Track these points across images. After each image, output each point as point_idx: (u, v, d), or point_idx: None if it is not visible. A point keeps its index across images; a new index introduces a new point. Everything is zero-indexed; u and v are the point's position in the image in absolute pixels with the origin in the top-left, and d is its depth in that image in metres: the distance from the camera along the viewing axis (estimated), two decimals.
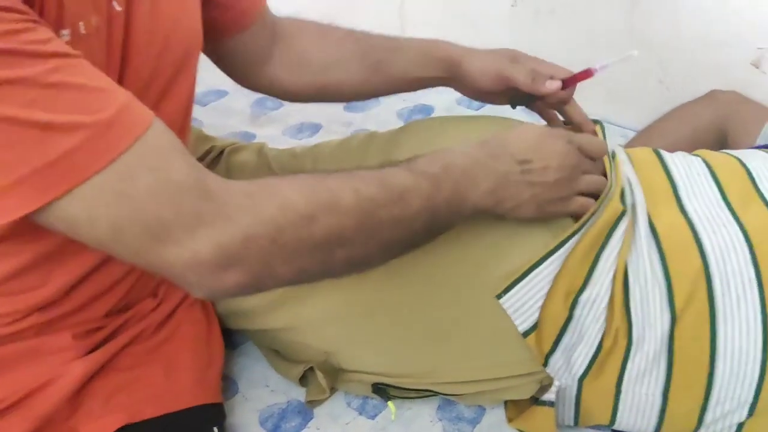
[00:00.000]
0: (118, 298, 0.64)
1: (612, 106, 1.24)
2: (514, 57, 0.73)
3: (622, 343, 0.62)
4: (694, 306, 0.61)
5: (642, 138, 1.03)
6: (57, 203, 0.45)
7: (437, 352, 0.67)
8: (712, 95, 0.97)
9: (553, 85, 0.71)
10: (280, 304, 0.70)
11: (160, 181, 0.47)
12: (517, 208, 0.61)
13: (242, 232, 0.48)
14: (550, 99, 0.73)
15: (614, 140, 1.17)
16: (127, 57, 0.55)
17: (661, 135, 0.98)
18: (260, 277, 0.50)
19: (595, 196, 0.65)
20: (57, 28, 0.48)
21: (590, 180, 0.65)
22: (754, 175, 0.69)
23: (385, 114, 1.25)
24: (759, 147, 0.80)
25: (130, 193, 0.46)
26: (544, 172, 0.61)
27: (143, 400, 0.63)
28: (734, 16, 1.05)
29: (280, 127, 1.23)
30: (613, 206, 0.65)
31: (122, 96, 0.47)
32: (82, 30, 0.50)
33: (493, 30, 1.30)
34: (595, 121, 0.76)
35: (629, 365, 0.62)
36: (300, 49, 0.78)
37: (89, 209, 0.46)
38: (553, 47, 1.25)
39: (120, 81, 0.55)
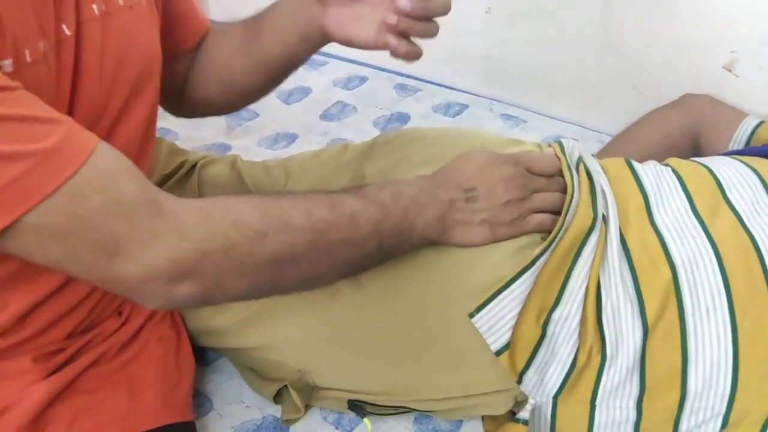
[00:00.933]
0: (80, 319, 0.63)
1: (587, 112, 1.24)
2: None
3: (596, 359, 0.61)
4: (665, 319, 0.61)
5: (616, 144, 1.03)
6: (8, 230, 0.46)
7: (410, 370, 0.67)
8: (685, 99, 0.97)
9: None
10: (252, 323, 0.70)
11: (110, 200, 0.48)
12: (468, 235, 0.63)
13: (196, 246, 0.49)
14: None
15: (590, 145, 1.17)
16: (79, 81, 0.55)
17: (634, 141, 0.98)
18: (212, 290, 0.52)
19: (555, 212, 0.65)
20: None
21: (544, 198, 0.66)
22: (723, 184, 0.69)
23: (361, 122, 1.24)
24: (730, 153, 0.80)
25: (82, 214, 0.47)
26: (489, 197, 0.63)
27: (106, 422, 0.63)
28: (707, 20, 1.06)
29: (255, 138, 1.22)
30: (581, 219, 0.64)
31: (65, 124, 0.48)
32: (28, 58, 0.50)
33: (468, 36, 1.30)
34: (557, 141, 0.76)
35: (603, 380, 0.61)
36: (201, 54, 0.77)
37: (41, 233, 0.47)
38: (528, 53, 1.26)
39: (71, 105, 0.55)
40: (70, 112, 0.54)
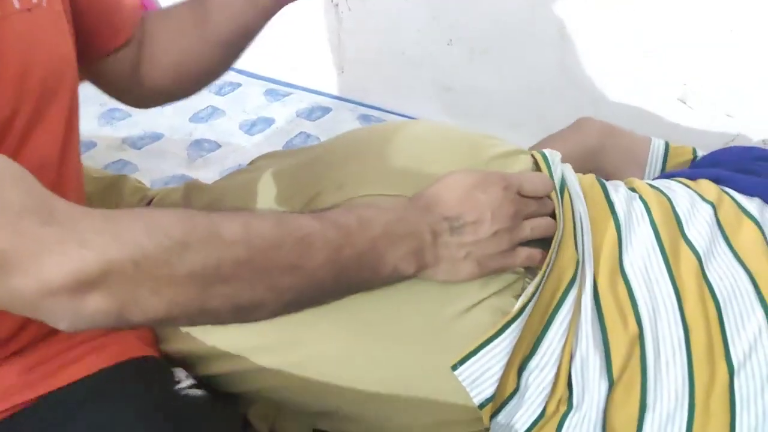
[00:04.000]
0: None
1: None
2: None
3: (563, 408, 0.60)
4: (628, 371, 0.59)
5: None
6: None
7: (384, 406, 0.63)
8: (579, 124, 0.92)
9: None
10: (219, 356, 0.66)
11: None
12: (452, 270, 0.57)
13: (98, 255, 0.44)
14: None
15: None
16: None
17: None
18: (125, 306, 0.46)
19: (544, 240, 0.61)
20: None
21: (536, 225, 0.60)
22: (682, 219, 0.68)
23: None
24: (678, 175, 0.79)
25: None
26: (477, 228, 0.56)
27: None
28: (659, 53, 1.09)
29: (216, 168, 1.20)
30: (566, 261, 0.61)
31: None
32: None
33: (430, 67, 1.32)
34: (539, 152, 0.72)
35: (566, 426, 0.60)
36: (149, 37, 0.75)
37: None
38: (489, 84, 1.28)
39: None
40: None
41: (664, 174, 0.85)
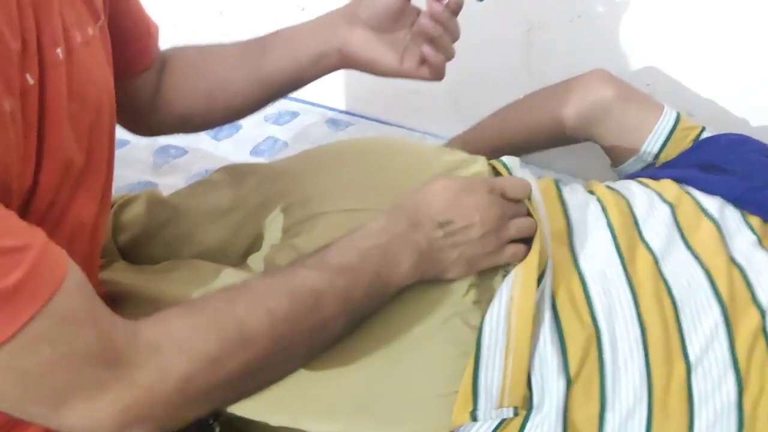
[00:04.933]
0: None
1: None
2: None
3: (523, 412, 0.61)
4: (585, 370, 0.60)
5: (498, 119, 0.98)
6: None
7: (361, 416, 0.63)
8: (589, 81, 0.88)
9: None
10: None
11: (61, 354, 0.43)
12: (444, 271, 0.59)
13: (147, 394, 0.45)
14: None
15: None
16: (45, 132, 0.50)
17: (519, 121, 0.94)
18: (165, 426, 0.48)
19: (525, 239, 0.63)
20: None
21: (520, 225, 0.63)
22: (639, 220, 0.69)
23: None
24: (641, 175, 0.80)
25: (27, 368, 0.42)
26: (468, 231, 0.59)
27: None
28: (623, 54, 1.11)
29: (183, 175, 1.19)
30: (542, 258, 0.63)
31: (32, 249, 0.42)
32: None
33: None
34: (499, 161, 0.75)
35: (527, 428, 0.61)
36: (184, 64, 0.75)
37: None
38: (454, 85, 1.29)
39: (38, 160, 0.50)
40: (38, 167, 0.50)
41: (629, 174, 0.86)
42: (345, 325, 0.55)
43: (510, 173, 0.70)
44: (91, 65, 0.57)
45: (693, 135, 0.86)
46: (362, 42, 0.68)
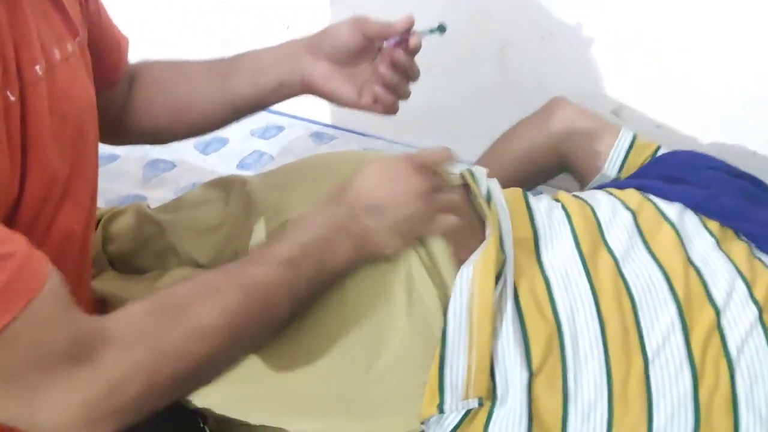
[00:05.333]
0: None
1: None
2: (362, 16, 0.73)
3: (488, 403, 0.63)
4: (548, 364, 0.63)
5: (486, 159, 1.03)
6: None
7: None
8: (550, 111, 0.95)
9: (408, 19, 0.71)
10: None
11: (37, 354, 0.45)
12: (381, 250, 0.63)
13: (116, 389, 0.48)
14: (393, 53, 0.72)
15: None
16: (28, 148, 0.52)
17: (500, 153, 0.99)
18: (133, 419, 0.50)
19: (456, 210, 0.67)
20: None
21: (447, 198, 0.66)
22: (603, 226, 0.73)
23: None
24: (608, 185, 0.84)
25: (3, 366, 0.44)
26: (398, 210, 0.62)
27: None
28: (593, 69, 1.16)
29: (171, 188, 1.22)
30: (498, 257, 0.66)
31: (15, 258, 0.44)
32: None
33: None
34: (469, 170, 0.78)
35: (494, 418, 0.63)
36: (153, 79, 0.78)
37: None
38: (434, 100, 1.33)
39: (23, 176, 0.52)
40: (23, 180, 0.52)
41: (597, 186, 0.90)
42: (290, 313, 0.58)
43: (475, 182, 0.74)
44: (72, 81, 0.59)
45: (649, 152, 0.91)
46: (323, 74, 0.72)
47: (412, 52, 0.72)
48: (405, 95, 0.74)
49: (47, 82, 0.54)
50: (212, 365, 0.53)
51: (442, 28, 0.74)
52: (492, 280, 0.64)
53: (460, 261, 0.67)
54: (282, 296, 0.56)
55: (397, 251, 0.64)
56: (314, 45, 0.73)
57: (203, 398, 0.65)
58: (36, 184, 0.53)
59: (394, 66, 0.71)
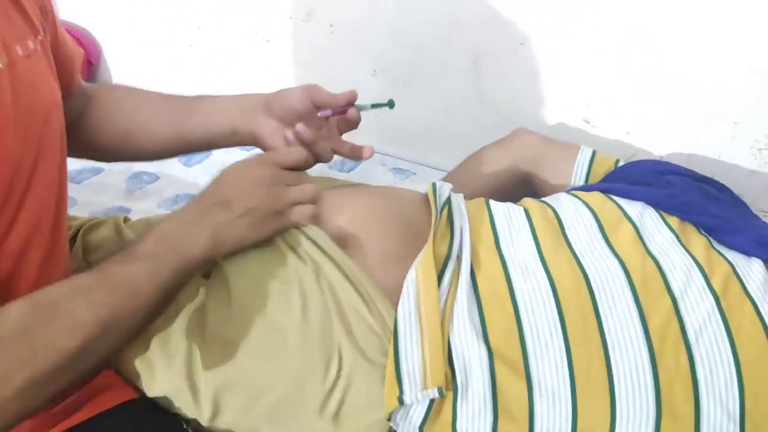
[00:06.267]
0: None
1: None
2: (316, 84, 0.81)
3: (450, 388, 0.65)
4: (509, 350, 0.65)
5: (450, 181, 1.06)
6: None
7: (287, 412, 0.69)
8: (513, 139, 1.00)
9: (351, 93, 0.79)
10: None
11: None
12: (238, 242, 0.68)
13: None
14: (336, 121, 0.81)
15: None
16: None
17: (465, 178, 1.01)
18: (13, 417, 0.53)
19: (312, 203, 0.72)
20: None
21: (300, 189, 0.71)
22: (564, 225, 0.76)
23: None
24: (574, 189, 0.87)
25: None
26: (245, 202, 0.67)
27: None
28: (564, 78, 1.19)
29: (155, 200, 1.24)
30: (440, 252, 0.70)
31: None
32: None
33: (358, 97, 1.39)
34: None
35: (459, 408, 0.65)
36: (110, 103, 0.82)
37: None
38: (411, 110, 1.36)
39: None
40: None
41: (567, 189, 0.93)
42: (159, 301, 0.62)
43: (434, 193, 0.79)
44: (35, 76, 0.62)
45: (611, 163, 0.94)
46: (271, 132, 0.80)
47: (350, 122, 0.80)
48: (323, 157, 0.81)
49: (9, 76, 0.58)
50: (87, 356, 0.57)
51: (391, 104, 0.84)
52: (433, 274, 0.68)
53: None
54: (146, 286, 0.60)
55: (254, 242, 0.68)
56: (268, 104, 0.80)
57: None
58: (3, 171, 0.57)
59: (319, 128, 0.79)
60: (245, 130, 0.81)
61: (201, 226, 0.65)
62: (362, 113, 0.82)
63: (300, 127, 0.77)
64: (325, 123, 0.81)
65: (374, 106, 0.82)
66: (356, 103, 0.80)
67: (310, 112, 0.79)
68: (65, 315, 0.55)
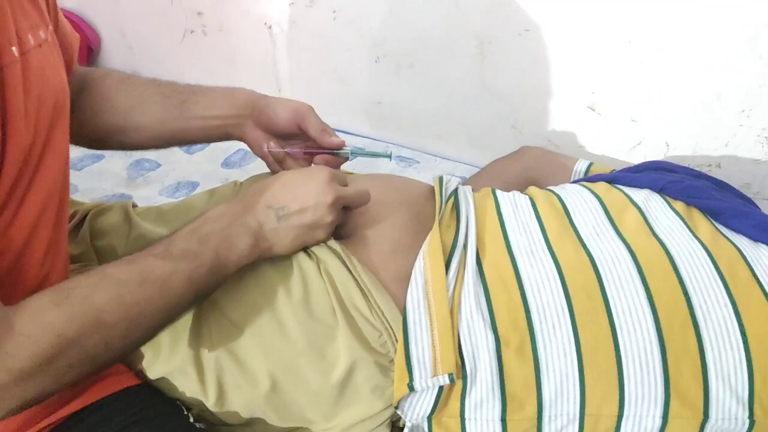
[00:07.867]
0: None
1: (473, 151, 1.34)
2: (311, 109, 0.81)
3: (460, 375, 0.65)
4: (516, 334, 0.65)
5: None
6: None
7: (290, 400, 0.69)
8: (521, 151, 1.05)
9: (337, 141, 0.80)
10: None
11: None
12: (279, 249, 0.67)
13: (17, 377, 0.51)
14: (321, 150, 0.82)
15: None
16: (7, 124, 0.56)
17: (476, 185, 1.02)
18: (34, 403, 0.54)
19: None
20: None
21: (340, 214, 0.70)
22: (570, 210, 0.76)
23: (262, 169, 1.26)
24: (578, 181, 0.88)
25: None
26: (301, 215, 0.66)
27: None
28: (569, 65, 1.18)
29: (156, 187, 1.24)
30: (448, 239, 0.70)
31: None
32: None
33: (360, 83, 1.38)
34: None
35: (467, 395, 0.65)
36: (103, 92, 0.82)
37: None
38: (414, 97, 1.36)
39: (2, 149, 0.56)
40: (2, 155, 0.56)
41: (573, 181, 0.94)
42: (190, 301, 0.62)
43: (441, 185, 0.79)
44: (45, 66, 0.62)
45: (607, 170, 0.95)
46: (255, 141, 0.82)
47: (320, 161, 0.81)
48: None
49: (22, 64, 0.58)
50: (110, 351, 0.57)
51: (390, 157, 0.85)
52: (441, 263, 0.68)
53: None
54: (179, 285, 0.59)
55: (290, 253, 0.68)
56: (257, 114, 0.81)
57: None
58: (12, 156, 0.57)
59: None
60: (235, 135, 0.83)
61: (245, 228, 0.64)
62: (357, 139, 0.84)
63: (271, 145, 0.80)
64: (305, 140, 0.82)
65: (372, 154, 0.84)
66: (352, 148, 0.81)
67: (295, 134, 0.81)
68: (94, 309, 0.55)
